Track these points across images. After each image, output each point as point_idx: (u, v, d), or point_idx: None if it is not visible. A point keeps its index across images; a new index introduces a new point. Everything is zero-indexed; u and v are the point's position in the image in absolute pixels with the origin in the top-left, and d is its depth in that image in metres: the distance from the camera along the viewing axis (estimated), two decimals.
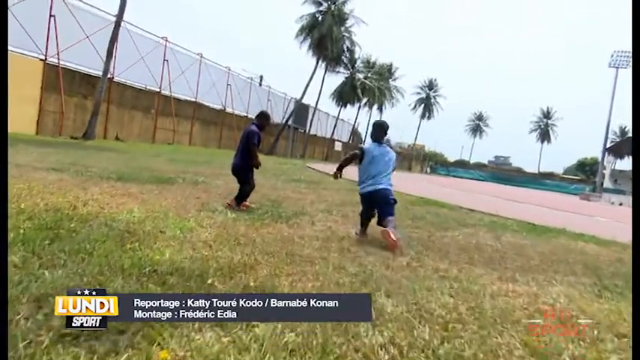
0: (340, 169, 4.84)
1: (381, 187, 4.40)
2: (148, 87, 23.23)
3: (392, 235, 3.86)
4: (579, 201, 28.30)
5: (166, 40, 23.64)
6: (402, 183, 15.11)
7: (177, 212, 4.21)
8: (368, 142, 4.86)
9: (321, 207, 6.15)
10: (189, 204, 4.86)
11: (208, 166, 11.14)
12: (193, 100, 26.74)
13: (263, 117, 5.70)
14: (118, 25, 18.44)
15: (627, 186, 60.01)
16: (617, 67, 52.56)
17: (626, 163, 68.59)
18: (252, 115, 33.31)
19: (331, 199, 7.13)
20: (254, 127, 5.46)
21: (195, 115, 27.21)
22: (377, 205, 4.43)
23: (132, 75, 21.83)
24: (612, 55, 52.86)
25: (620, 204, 29.74)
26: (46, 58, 17.31)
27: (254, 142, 5.39)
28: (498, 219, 7.19)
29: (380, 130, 4.69)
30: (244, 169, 5.40)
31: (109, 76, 19.44)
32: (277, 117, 36.12)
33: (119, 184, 5.78)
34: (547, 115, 76.97)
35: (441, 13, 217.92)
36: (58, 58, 17.76)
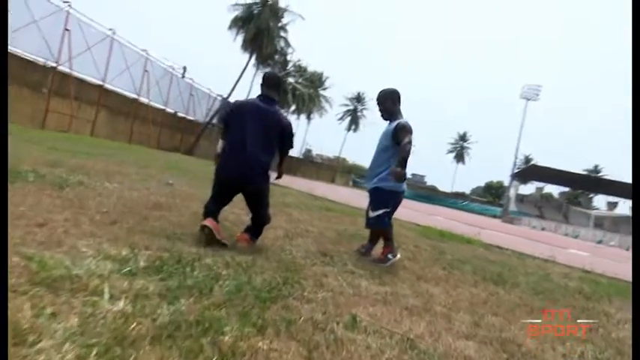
0: None
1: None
2: (41, 59, 18.75)
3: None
4: (505, 224, 28.65)
5: (69, 5, 19.38)
6: (347, 195, 13.15)
7: None
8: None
9: (345, 253, 3.69)
10: None
11: (104, 160, 7.80)
12: (100, 83, 22.43)
13: (279, 85, 3.38)
14: None
15: (530, 209, 65.33)
16: (527, 99, 56.80)
17: (528, 188, 75.33)
18: (172, 110, 29.45)
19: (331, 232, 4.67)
20: (279, 110, 3.19)
21: (102, 101, 22.78)
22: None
23: (21, 42, 17.30)
24: (523, 88, 57.07)
25: (543, 229, 30.69)
26: None
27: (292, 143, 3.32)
28: (572, 270, 5.33)
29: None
30: (268, 181, 3.11)
31: None
32: (200, 114, 32.48)
33: None
34: (463, 138, 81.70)
35: (367, 33, 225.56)
36: None
